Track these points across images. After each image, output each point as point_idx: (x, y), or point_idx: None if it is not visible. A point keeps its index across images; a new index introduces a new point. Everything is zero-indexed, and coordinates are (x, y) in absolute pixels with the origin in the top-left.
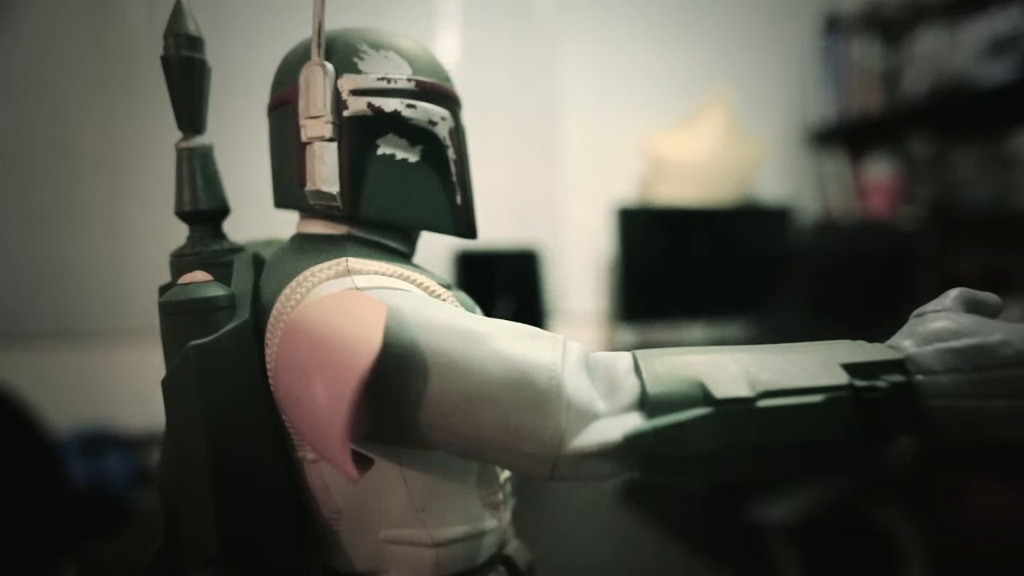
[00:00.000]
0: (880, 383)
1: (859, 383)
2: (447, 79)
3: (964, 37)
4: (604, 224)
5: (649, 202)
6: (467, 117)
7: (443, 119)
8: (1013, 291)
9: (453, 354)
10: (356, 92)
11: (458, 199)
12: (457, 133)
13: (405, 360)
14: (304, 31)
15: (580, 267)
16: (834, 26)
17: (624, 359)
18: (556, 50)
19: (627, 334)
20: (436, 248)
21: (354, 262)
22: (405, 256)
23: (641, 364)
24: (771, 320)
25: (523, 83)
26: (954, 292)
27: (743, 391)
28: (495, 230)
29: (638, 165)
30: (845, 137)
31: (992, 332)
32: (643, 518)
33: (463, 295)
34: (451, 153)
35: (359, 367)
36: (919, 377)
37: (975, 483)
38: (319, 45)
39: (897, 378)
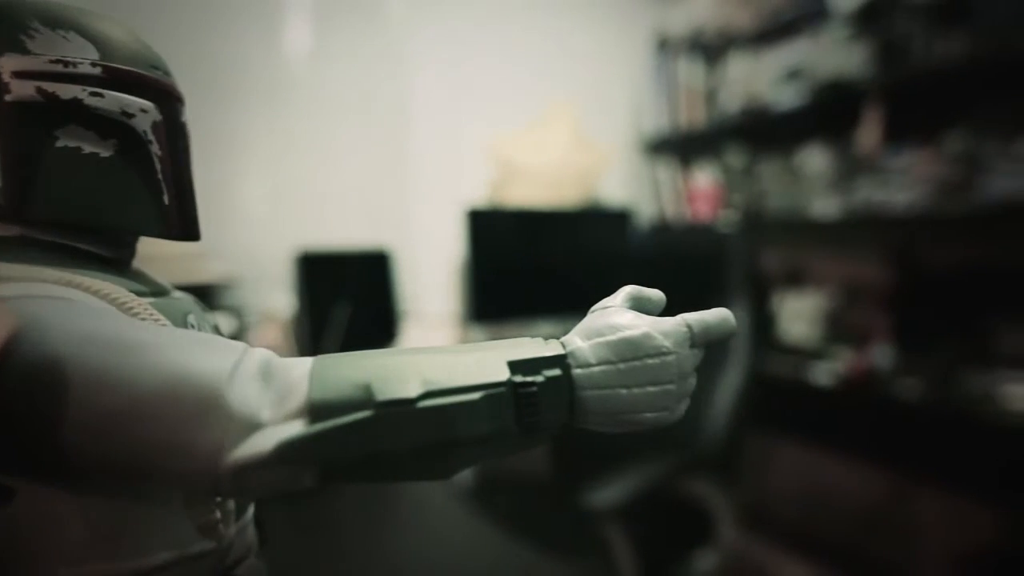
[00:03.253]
0: (539, 378)
1: (518, 379)
2: (155, 67)
3: (765, 64)
4: (456, 225)
5: (499, 204)
6: (316, 115)
7: (143, 111)
8: (806, 284)
9: (103, 368)
10: (21, 75)
11: (166, 199)
12: (166, 127)
13: (44, 377)
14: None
15: (433, 268)
16: (664, 46)
17: (303, 365)
18: (407, 50)
19: (479, 333)
20: (276, 250)
21: (4, 268)
22: (108, 261)
23: (315, 369)
24: None
25: (373, 83)
26: (625, 290)
27: (406, 392)
28: (344, 231)
29: (488, 168)
30: (675, 148)
31: (640, 326)
32: (490, 515)
33: (179, 301)
34: (155, 148)
35: None
36: (577, 370)
37: (781, 450)
38: None
39: (555, 372)
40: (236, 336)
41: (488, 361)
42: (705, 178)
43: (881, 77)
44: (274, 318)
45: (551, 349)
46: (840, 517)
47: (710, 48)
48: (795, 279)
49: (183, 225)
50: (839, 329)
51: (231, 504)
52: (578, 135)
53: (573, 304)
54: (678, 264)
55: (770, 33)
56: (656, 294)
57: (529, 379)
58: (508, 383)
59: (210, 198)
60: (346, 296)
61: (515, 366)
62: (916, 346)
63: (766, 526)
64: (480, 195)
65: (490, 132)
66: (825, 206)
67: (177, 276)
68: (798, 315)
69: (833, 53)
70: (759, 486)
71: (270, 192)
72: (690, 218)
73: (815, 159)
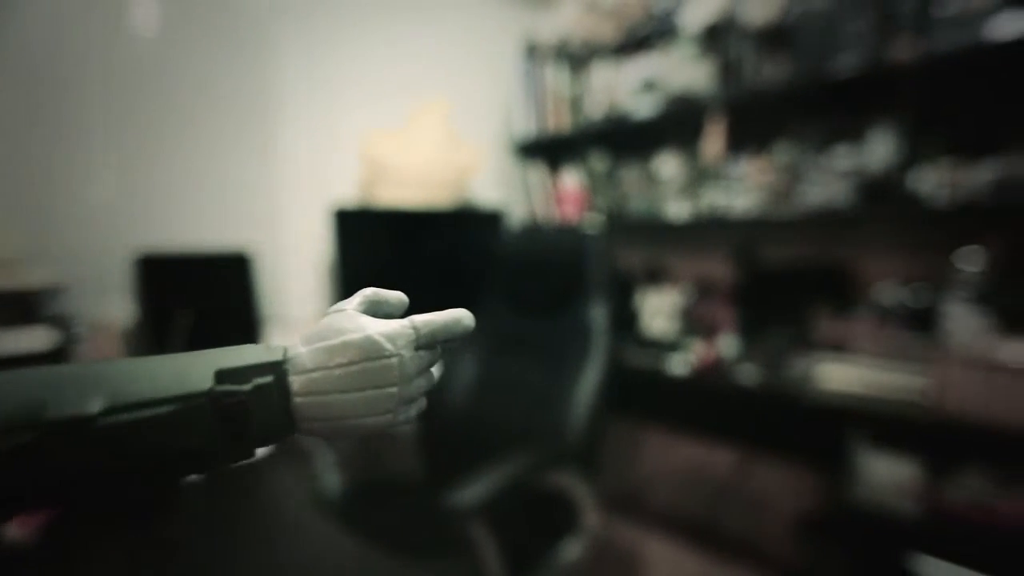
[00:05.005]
0: (246, 386)
1: (219, 389)
2: None
3: (624, 75)
4: (323, 225)
5: (369, 204)
6: (167, 105)
7: None
8: (664, 282)
9: None
10: None
11: None
12: None
13: None
14: None
15: (299, 270)
16: (533, 53)
17: None
18: (270, 43)
19: None
20: (116, 252)
21: None
22: None
23: None
24: (483, 315)
25: (232, 73)
26: (362, 292)
27: (85, 408)
28: (200, 232)
29: (358, 167)
30: (544, 151)
31: (364, 329)
32: (356, 522)
33: None
34: None
35: None
36: (293, 377)
37: (645, 436)
38: None
39: (266, 380)
40: (61, 350)
41: (193, 370)
42: (571, 181)
43: (722, 93)
44: (108, 327)
45: (271, 355)
46: (697, 493)
47: (575, 57)
48: (655, 277)
49: None
50: (692, 322)
51: None
52: (450, 135)
53: (445, 305)
54: (546, 263)
55: (629, 46)
56: (395, 296)
57: (234, 388)
58: (209, 393)
59: (39, 194)
60: (195, 301)
61: (223, 375)
62: (754, 335)
63: (633, 509)
64: (349, 194)
65: (360, 130)
66: (678, 209)
67: None
68: (658, 311)
69: (682, 69)
70: (625, 472)
71: (111, 189)
72: (558, 219)
73: (668, 166)
